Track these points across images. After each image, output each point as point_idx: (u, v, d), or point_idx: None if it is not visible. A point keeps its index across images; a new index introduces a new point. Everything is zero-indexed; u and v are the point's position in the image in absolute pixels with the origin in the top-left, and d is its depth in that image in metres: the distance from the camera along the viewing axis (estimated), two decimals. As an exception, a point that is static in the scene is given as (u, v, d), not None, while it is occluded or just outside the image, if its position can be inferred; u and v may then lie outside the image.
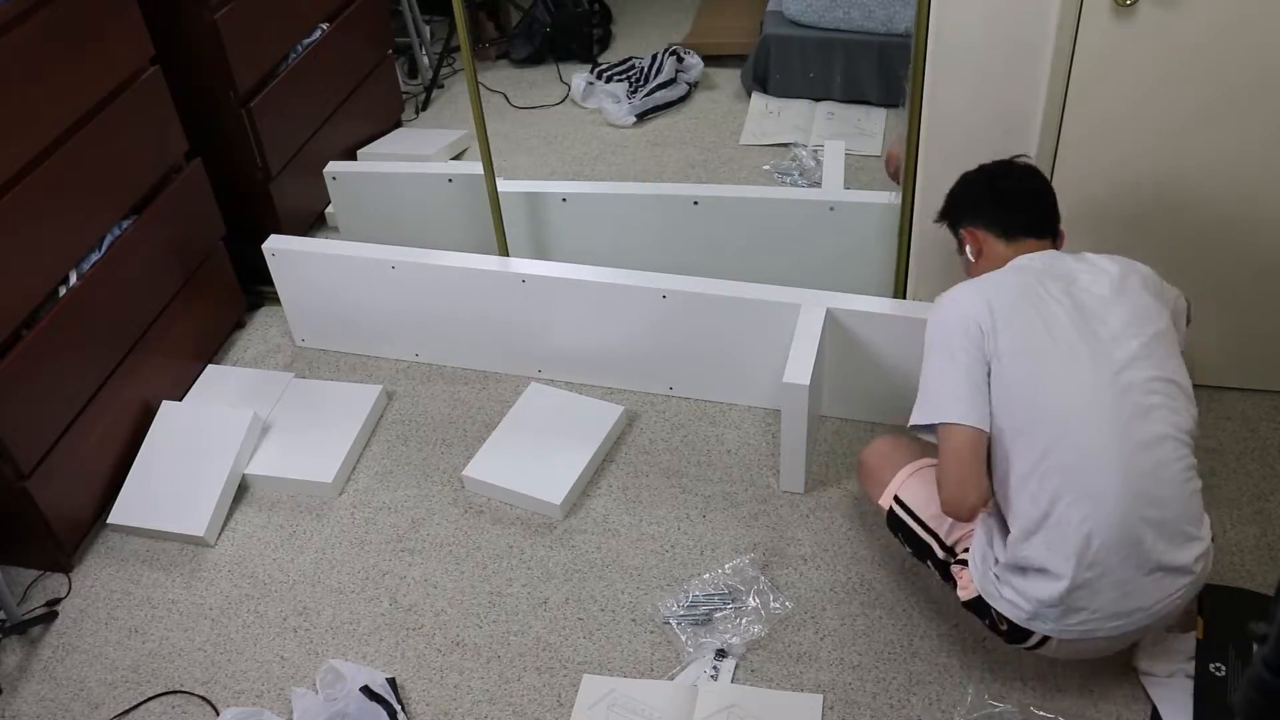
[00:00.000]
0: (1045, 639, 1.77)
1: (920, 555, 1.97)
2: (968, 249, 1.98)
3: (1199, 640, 1.93)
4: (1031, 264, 1.84)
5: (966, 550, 1.87)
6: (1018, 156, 2.00)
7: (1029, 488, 1.72)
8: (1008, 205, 1.93)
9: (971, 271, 1.97)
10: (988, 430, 1.74)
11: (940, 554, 1.91)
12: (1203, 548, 1.74)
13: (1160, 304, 1.81)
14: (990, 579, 1.79)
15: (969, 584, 1.84)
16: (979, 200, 1.96)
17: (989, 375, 1.76)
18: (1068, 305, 1.76)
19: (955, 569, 1.89)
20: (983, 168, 2.00)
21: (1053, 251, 1.89)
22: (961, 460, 1.73)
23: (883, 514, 2.03)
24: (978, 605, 1.84)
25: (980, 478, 1.73)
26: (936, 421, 1.77)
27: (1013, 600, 1.76)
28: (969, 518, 1.77)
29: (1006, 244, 1.91)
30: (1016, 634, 1.80)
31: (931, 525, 1.92)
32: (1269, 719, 1.24)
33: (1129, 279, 1.81)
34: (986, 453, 1.76)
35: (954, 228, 2.03)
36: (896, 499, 1.97)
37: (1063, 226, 1.95)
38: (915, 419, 1.81)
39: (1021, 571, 1.75)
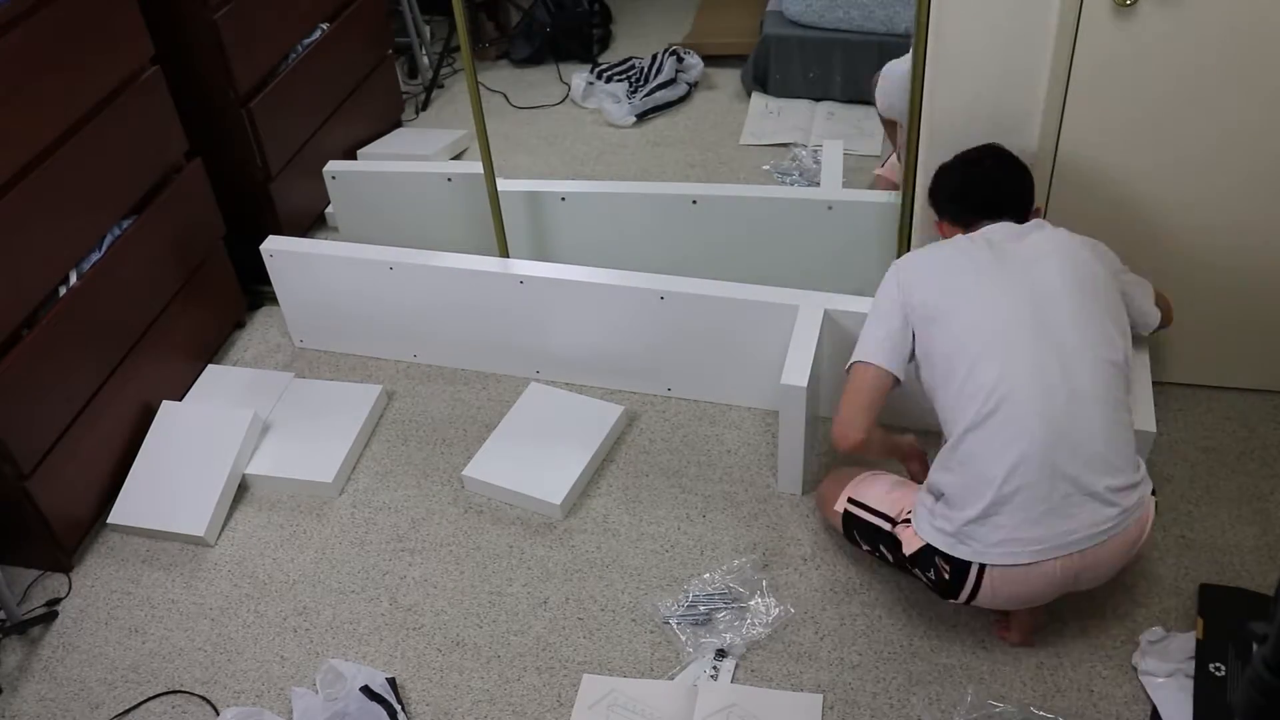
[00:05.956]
0: (979, 582, 1.81)
1: (875, 544, 2.03)
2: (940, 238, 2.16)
3: (1199, 640, 1.94)
4: (976, 231, 2.01)
5: (911, 513, 1.95)
6: (991, 144, 2.10)
7: (958, 404, 1.83)
8: (971, 204, 2.06)
9: None
10: (892, 373, 1.94)
11: (889, 527, 1.97)
12: (1126, 481, 1.80)
13: (1103, 267, 1.94)
14: (924, 515, 1.88)
15: (912, 536, 1.91)
16: (948, 197, 2.10)
17: (909, 323, 1.93)
18: (997, 254, 1.91)
19: (900, 528, 1.95)
20: (956, 162, 2.11)
21: (1004, 223, 2.01)
22: (859, 392, 1.95)
23: (840, 531, 2.13)
24: (923, 558, 1.88)
25: (868, 413, 1.94)
26: (853, 361, 1.98)
27: (941, 527, 1.83)
28: (848, 449, 1.95)
29: (965, 233, 2.06)
30: (955, 579, 1.84)
31: (881, 508, 2.01)
32: (1269, 719, 1.24)
33: (1069, 242, 1.94)
34: (883, 395, 1.95)
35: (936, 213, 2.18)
36: (850, 499, 2.06)
37: (1039, 203, 2.08)
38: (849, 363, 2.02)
39: (949, 490, 1.83)
